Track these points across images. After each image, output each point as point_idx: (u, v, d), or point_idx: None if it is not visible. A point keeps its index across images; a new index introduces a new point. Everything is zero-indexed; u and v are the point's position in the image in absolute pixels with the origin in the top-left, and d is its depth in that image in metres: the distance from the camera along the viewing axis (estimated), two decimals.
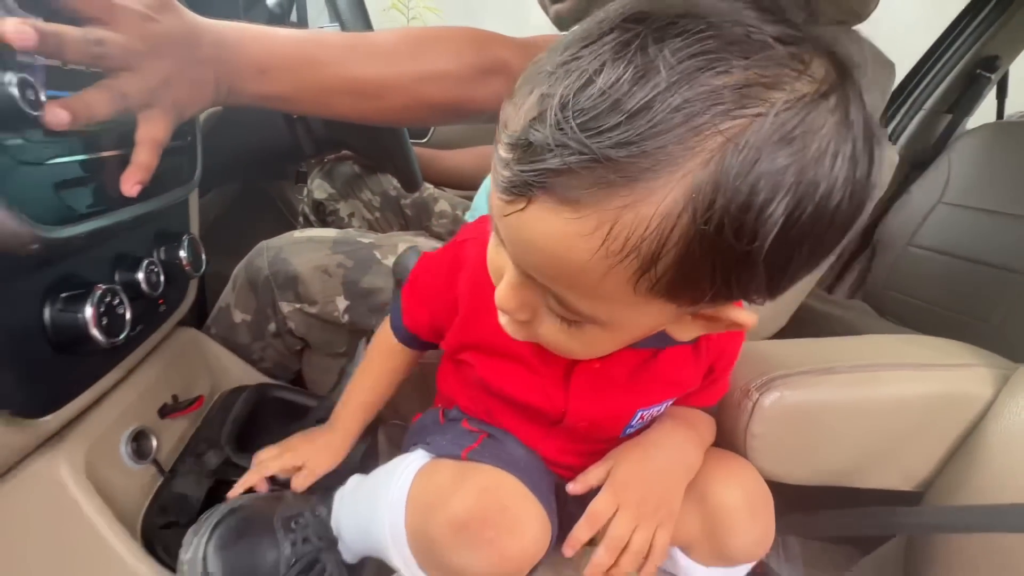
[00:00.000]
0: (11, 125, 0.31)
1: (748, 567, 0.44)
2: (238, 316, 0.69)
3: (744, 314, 0.29)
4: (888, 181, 0.72)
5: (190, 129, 0.52)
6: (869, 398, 0.48)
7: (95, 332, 0.37)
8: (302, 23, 0.96)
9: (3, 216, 0.30)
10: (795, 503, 0.53)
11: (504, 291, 0.29)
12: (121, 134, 0.40)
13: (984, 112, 1.62)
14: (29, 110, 0.31)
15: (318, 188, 0.95)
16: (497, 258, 0.30)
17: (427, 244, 0.70)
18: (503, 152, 0.25)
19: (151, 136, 0.37)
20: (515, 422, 0.42)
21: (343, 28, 0.72)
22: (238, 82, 0.42)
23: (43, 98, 0.32)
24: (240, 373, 0.67)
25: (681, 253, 0.23)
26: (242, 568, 0.40)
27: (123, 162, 0.39)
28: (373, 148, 0.84)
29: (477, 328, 0.40)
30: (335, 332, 0.68)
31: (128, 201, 0.40)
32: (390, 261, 0.66)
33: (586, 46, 0.22)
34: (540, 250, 0.25)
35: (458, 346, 0.43)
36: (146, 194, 0.41)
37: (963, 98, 1.80)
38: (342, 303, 0.65)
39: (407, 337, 0.48)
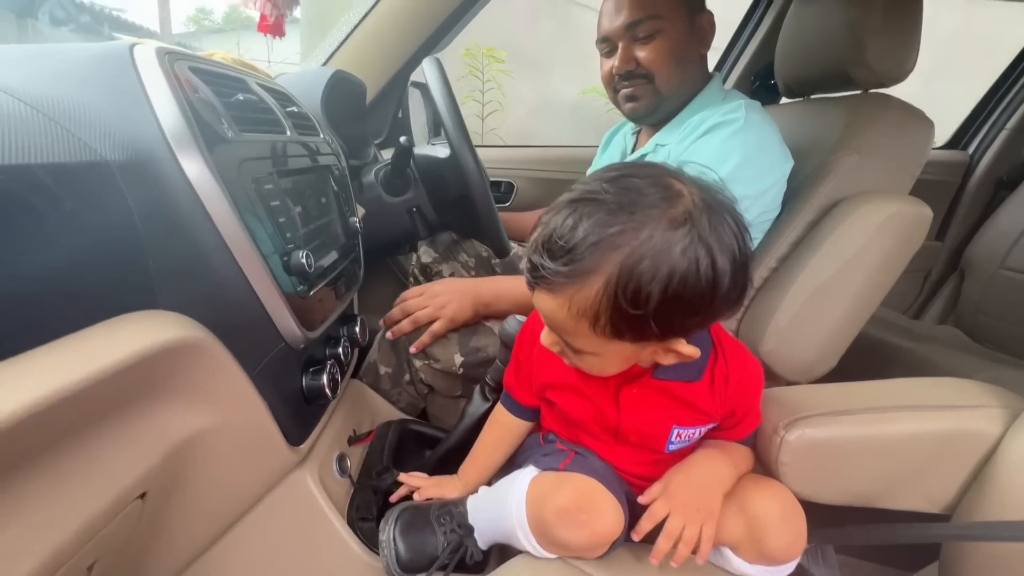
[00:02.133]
0: (301, 279, 0.55)
1: (789, 567, 0.57)
2: (382, 369, 0.92)
3: (686, 348, 0.47)
4: (923, 236, 0.80)
5: (355, 239, 0.76)
6: (880, 435, 0.59)
7: (328, 391, 0.60)
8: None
9: (294, 327, 0.54)
10: (836, 521, 0.64)
11: (543, 336, 0.52)
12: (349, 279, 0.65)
13: None
14: (308, 269, 0.54)
15: (424, 253, 1.19)
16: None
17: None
18: (524, 261, 0.46)
19: (435, 330, 0.80)
20: (592, 441, 0.60)
21: (450, 146, 0.94)
22: (480, 307, 0.84)
23: (312, 262, 0.55)
24: (386, 411, 0.91)
25: (609, 314, 0.42)
26: (416, 546, 0.60)
27: (339, 284, 0.63)
28: (473, 230, 1.07)
29: (548, 372, 0.60)
30: (453, 380, 0.89)
31: (335, 307, 0.64)
32: (493, 324, 0.87)
33: (557, 212, 0.44)
34: (545, 315, 0.47)
35: (541, 387, 0.62)
36: (344, 295, 0.65)
37: None
38: (458, 359, 0.86)
39: (514, 407, 0.68)
